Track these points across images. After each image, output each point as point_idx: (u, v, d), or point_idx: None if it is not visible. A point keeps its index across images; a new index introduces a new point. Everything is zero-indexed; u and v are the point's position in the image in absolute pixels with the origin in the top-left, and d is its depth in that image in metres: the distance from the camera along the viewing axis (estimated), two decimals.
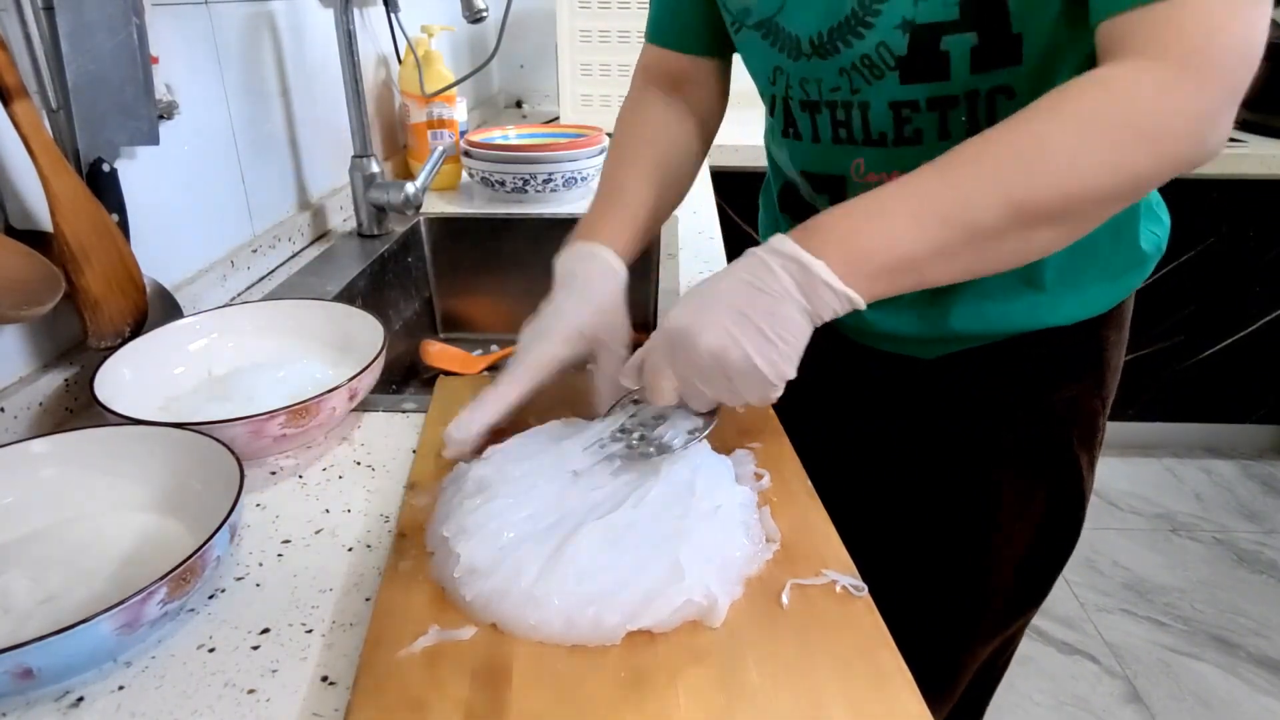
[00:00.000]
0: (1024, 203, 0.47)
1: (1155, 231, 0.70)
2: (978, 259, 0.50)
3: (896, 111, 0.61)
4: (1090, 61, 0.52)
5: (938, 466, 0.77)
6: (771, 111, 0.71)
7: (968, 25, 0.55)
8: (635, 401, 0.60)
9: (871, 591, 0.47)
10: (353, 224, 1.18)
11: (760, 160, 0.83)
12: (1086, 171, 0.47)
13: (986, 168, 0.48)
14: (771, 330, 0.49)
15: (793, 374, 0.51)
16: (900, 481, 0.81)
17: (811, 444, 0.63)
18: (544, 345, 0.60)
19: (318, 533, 0.55)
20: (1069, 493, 0.76)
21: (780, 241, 0.51)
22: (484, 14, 1.10)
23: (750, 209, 1.80)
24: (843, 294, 0.49)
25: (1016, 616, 0.83)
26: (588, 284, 0.63)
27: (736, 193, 1.70)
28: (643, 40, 0.78)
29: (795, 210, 0.76)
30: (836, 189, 0.68)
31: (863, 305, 0.50)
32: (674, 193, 0.75)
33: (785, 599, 0.46)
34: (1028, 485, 0.75)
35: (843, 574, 0.48)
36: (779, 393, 0.51)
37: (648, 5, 0.77)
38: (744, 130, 1.22)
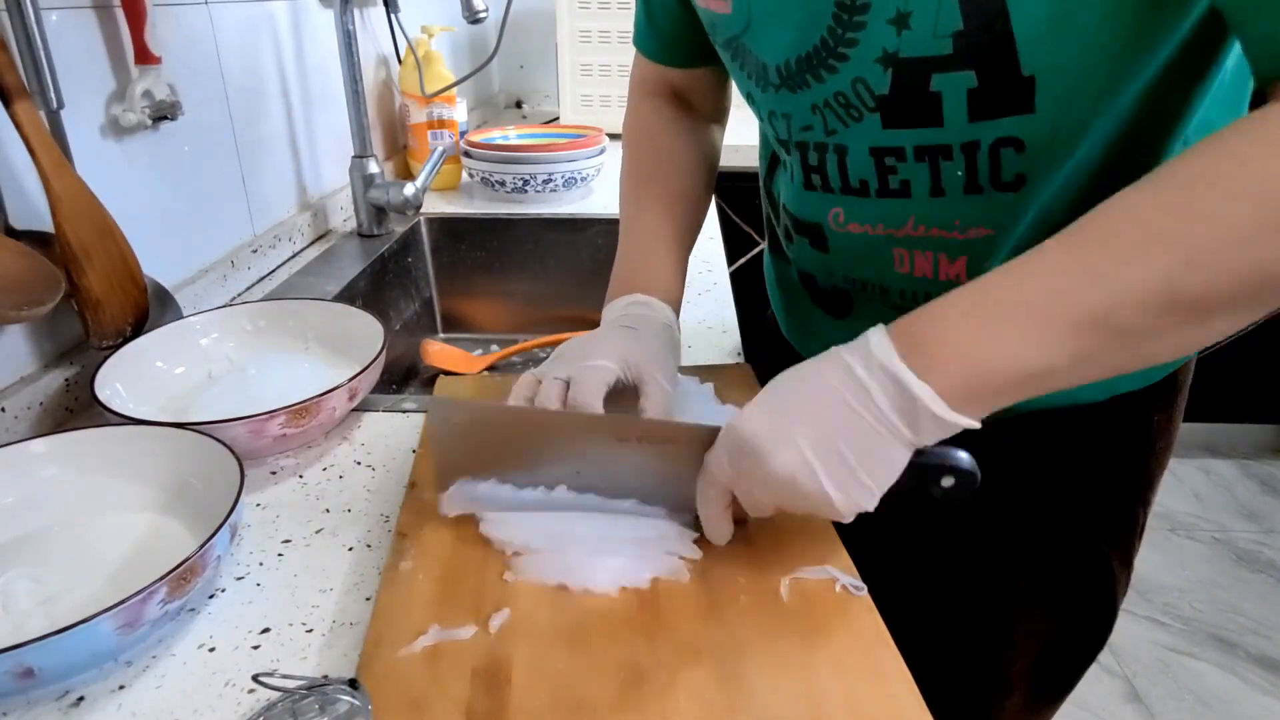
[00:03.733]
0: (1191, 297, 0.38)
1: None
2: (1131, 359, 0.41)
3: (879, 159, 0.53)
4: (1136, 113, 0.47)
5: (948, 554, 0.69)
6: (761, 132, 0.66)
7: (964, 63, 0.46)
8: None
9: None
10: (353, 224, 1.18)
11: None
12: (1275, 253, 0.36)
13: (1137, 254, 0.38)
14: (859, 464, 0.42)
15: (871, 506, 0.44)
16: (904, 562, 0.70)
17: None
18: (595, 360, 0.54)
19: (318, 533, 0.55)
20: (1096, 598, 0.68)
21: (880, 348, 0.42)
22: (484, 14, 1.10)
23: (751, 209, 1.81)
24: (952, 426, 0.41)
25: (1034, 714, 0.76)
26: (637, 323, 0.59)
27: (736, 193, 1.70)
28: None
29: (778, 250, 0.73)
30: (815, 235, 0.61)
31: (976, 426, 0.42)
32: (701, 217, 0.72)
33: (785, 595, 0.46)
34: (1048, 589, 0.68)
35: (843, 573, 0.48)
36: (846, 519, 0.45)
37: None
38: (744, 130, 1.22)
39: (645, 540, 0.50)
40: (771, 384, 0.46)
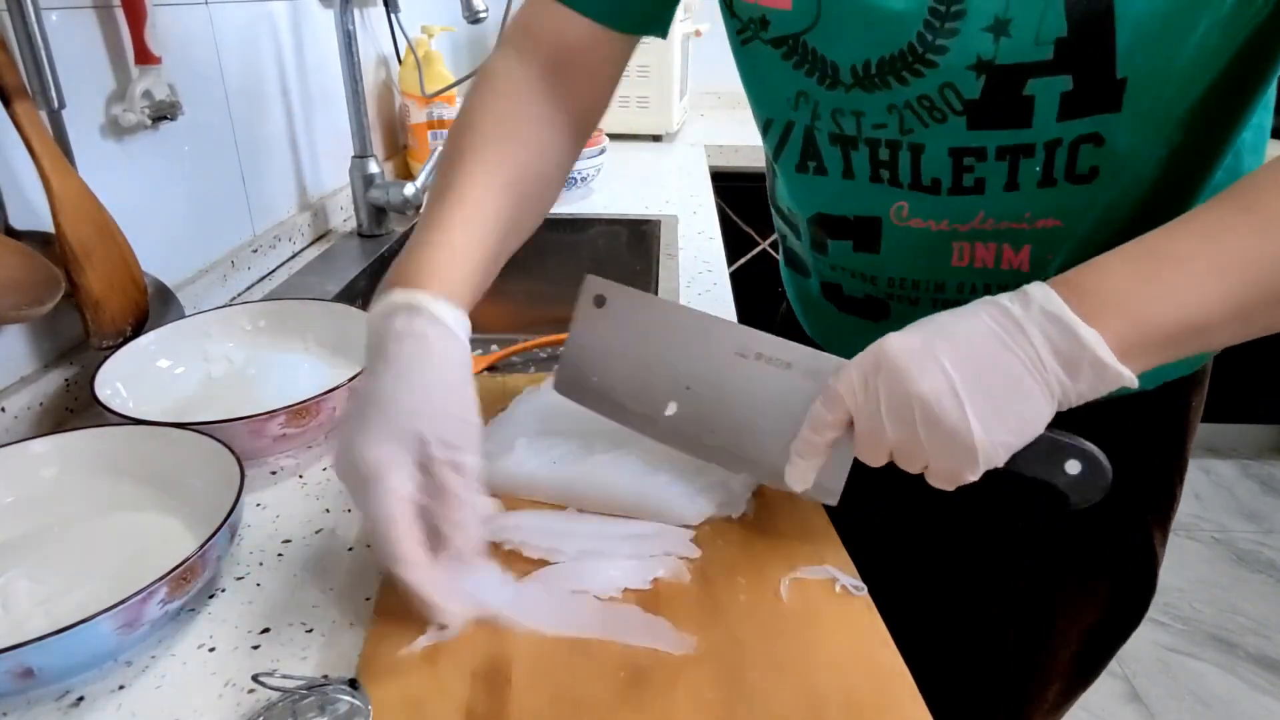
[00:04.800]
0: None
1: None
2: None
3: (957, 159, 0.51)
4: (1206, 108, 0.47)
5: (990, 551, 0.68)
6: (783, 137, 0.59)
7: (1063, 67, 0.46)
8: None
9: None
10: (353, 224, 1.18)
11: (762, 160, 0.78)
12: None
13: None
14: (1005, 401, 0.40)
15: (1002, 460, 0.41)
16: (946, 565, 0.71)
17: (843, 517, 0.54)
18: (371, 450, 0.43)
19: (318, 533, 0.55)
20: (1139, 576, 0.68)
21: (1042, 293, 0.41)
22: (484, 14, 1.11)
23: (750, 209, 1.81)
24: (1115, 375, 0.39)
25: (1068, 700, 0.75)
26: (420, 360, 0.46)
27: (736, 193, 1.70)
28: None
29: (794, 264, 0.70)
30: (867, 232, 0.58)
31: (1134, 385, 0.40)
32: (532, 217, 0.61)
33: (785, 594, 0.46)
34: (1092, 576, 0.67)
35: (843, 573, 0.48)
36: (971, 477, 0.42)
37: None
38: (744, 130, 1.23)
39: (644, 538, 0.50)
40: (921, 320, 0.44)
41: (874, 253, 0.59)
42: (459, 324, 0.49)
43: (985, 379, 0.40)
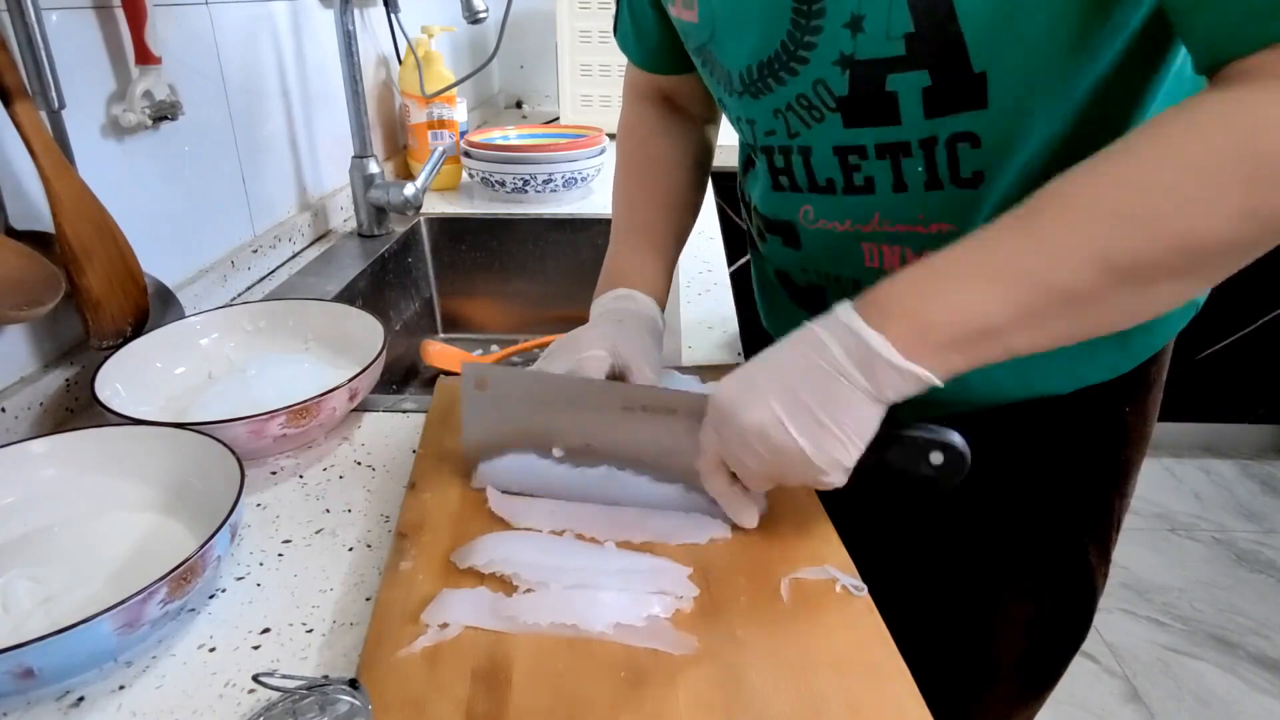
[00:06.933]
0: (1127, 263, 0.40)
1: None
2: (1078, 323, 0.43)
3: (842, 157, 0.55)
4: (1089, 107, 0.48)
5: (931, 548, 0.71)
6: (740, 139, 0.68)
7: (917, 63, 0.48)
8: None
9: None
10: (353, 224, 1.18)
11: None
12: (1210, 222, 0.38)
13: (1077, 221, 0.41)
14: (824, 413, 0.44)
15: (851, 462, 0.45)
16: (891, 557, 0.71)
17: None
18: (589, 350, 0.56)
19: (318, 533, 0.55)
20: (1075, 588, 0.69)
21: (842, 310, 0.45)
22: (484, 14, 1.11)
23: None
24: (908, 372, 0.43)
25: (1022, 704, 0.77)
26: (623, 316, 0.61)
27: (736, 192, 1.70)
28: None
29: (754, 246, 0.74)
30: (788, 233, 0.63)
31: (938, 382, 0.43)
32: (691, 217, 0.74)
33: (785, 594, 0.46)
34: (1027, 579, 0.68)
35: (843, 573, 0.48)
36: (834, 480, 0.46)
37: None
38: None
39: (640, 573, 0.48)
40: (753, 357, 0.49)
41: (797, 249, 0.64)
42: (653, 307, 0.65)
43: (802, 399, 0.44)
